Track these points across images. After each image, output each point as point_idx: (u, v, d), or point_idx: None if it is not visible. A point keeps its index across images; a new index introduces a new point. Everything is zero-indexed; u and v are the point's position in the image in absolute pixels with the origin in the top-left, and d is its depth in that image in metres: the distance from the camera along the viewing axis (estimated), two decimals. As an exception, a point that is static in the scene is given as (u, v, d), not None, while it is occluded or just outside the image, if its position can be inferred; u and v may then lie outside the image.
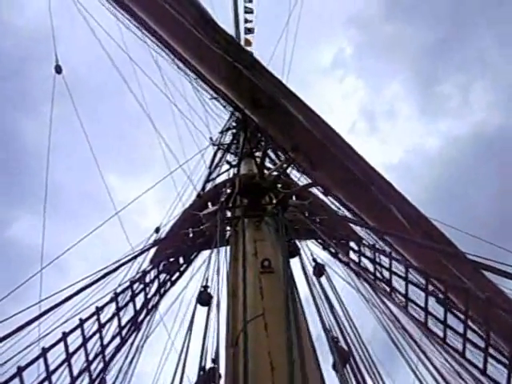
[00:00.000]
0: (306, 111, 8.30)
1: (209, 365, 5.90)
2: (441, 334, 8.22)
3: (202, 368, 5.45)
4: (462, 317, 7.76)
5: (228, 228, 9.17)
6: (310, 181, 10.05)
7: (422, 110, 51.34)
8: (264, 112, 8.45)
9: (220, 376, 5.65)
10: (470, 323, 7.85)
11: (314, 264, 7.58)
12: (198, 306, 6.26)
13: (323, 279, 7.14)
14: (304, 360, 4.18)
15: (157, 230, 11.14)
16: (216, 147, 17.83)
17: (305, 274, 6.20)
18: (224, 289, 6.16)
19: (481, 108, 48.51)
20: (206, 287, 6.57)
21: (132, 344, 7.83)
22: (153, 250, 9.65)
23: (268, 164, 12.52)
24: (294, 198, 9.85)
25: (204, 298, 6.32)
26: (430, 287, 8.43)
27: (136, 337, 7.96)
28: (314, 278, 6.77)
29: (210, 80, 9.29)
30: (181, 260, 9.77)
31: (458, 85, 50.44)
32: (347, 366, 5.36)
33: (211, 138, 19.55)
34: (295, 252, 7.89)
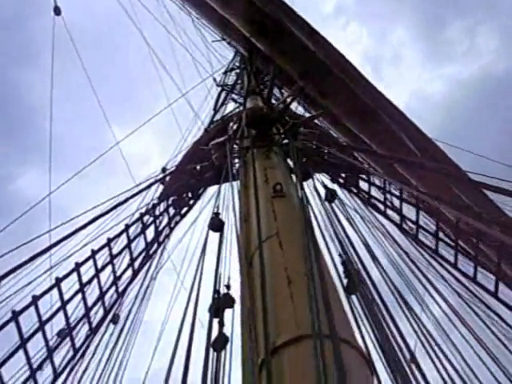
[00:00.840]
0: (315, 36, 8.11)
1: (222, 291, 5.91)
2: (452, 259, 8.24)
3: (216, 291, 5.45)
4: (474, 240, 7.76)
5: (236, 161, 9.07)
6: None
7: (428, 56, 50.40)
8: (271, 40, 8.25)
9: (234, 301, 5.66)
10: (481, 247, 7.86)
11: (325, 190, 7.51)
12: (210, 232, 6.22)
13: (334, 205, 7.10)
14: (322, 273, 4.13)
15: (163, 170, 11.05)
16: (220, 88, 17.62)
17: (318, 194, 6.14)
18: (236, 214, 6.08)
19: (487, 51, 47.57)
20: (217, 214, 6.52)
21: (145, 276, 7.87)
22: (160, 188, 9.61)
23: (274, 101, 12.31)
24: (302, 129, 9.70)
25: (216, 224, 6.28)
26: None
27: (148, 269, 7.99)
28: (326, 203, 6.69)
29: (215, 9, 9.05)
30: (189, 195, 9.72)
31: (464, 29, 49.33)
32: (360, 289, 5.36)
33: (215, 80, 19.27)
34: (307, 176, 7.80)
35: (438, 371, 5.30)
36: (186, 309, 5.03)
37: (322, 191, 7.38)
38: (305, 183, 7.43)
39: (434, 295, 7.52)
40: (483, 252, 8.03)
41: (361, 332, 4.22)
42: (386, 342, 4.13)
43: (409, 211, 9.03)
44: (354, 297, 5.24)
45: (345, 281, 5.46)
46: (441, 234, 8.38)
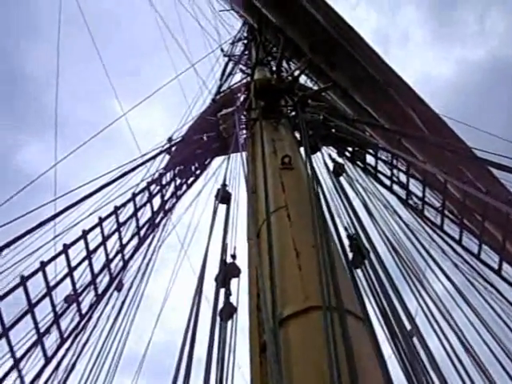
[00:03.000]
0: (325, 9, 8.03)
1: (229, 261, 5.95)
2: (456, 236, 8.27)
3: (223, 262, 5.49)
4: (479, 218, 7.77)
5: (244, 132, 9.06)
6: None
7: (437, 36, 49.72)
8: (282, 11, 8.17)
9: (240, 271, 5.70)
10: (486, 225, 7.88)
11: (333, 164, 7.51)
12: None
13: (342, 179, 7.11)
14: (330, 245, 4.16)
15: (169, 140, 11.02)
16: (227, 58, 17.45)
17: (326, 167, 6.14)
18: (243, 185, 6.09)
19: (496, 34, 46.94)
20: (224, 185, 6.54)
21: (150, 244, 7.91)
22: (166, 158, 9.60)
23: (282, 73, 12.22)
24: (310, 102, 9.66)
25: (223, 196, 6.29)
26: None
27: (153, 238, 8.03)
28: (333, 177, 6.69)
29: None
30: (195, 165, 9.72)
31: (475, 10, 48.61)
32: (365, 262, 5.40)
33: (222, 50, 19.09)
34: (315, 149, 7.80)
35: (441, 343, 5.33)
36: (201, 277, 5.07)
37: (330, 165, 7.38)
38: (313, 156, 7.41)
39: (436, 272, 7.56)
40: (488, 230, 8.05)
41: (364, 304, 4.28)
42: (391, 315, 4.18)
43: (415, 188, 9.05)
44: (359, 270, 5.30)
45: (350, 254, 5.51)
46: (446, 212, 8.39)
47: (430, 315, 5.67)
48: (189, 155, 9.34)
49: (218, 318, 4.67)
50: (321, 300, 3.45)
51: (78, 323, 7.03)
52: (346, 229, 6.18)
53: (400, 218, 8.40)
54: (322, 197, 5.32)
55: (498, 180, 8.79)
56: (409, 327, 4.37)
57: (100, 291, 7.28)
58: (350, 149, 9.52)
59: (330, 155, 8.14)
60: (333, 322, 3.27)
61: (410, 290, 5.93)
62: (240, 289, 5.52)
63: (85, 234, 6.67)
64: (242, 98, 10.46)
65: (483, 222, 7.76)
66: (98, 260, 7.39)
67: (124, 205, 7.31)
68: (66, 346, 7.09)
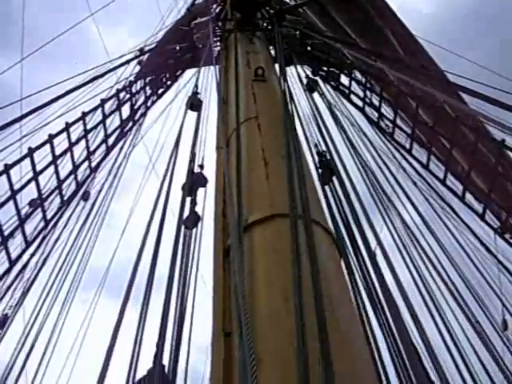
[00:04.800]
0: None
1: (196, 170, 5.91)
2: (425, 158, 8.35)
3: (190, 170, 5.45)
4: (448, 146, 7.83)
5: (218, 44, 8.83)
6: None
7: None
8: None
9: (207, 180, 5.67)
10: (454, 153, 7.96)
11: (306, 80, 7.40)
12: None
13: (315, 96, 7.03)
14: (299, 157, 4.13)
15: (141, 50, 10.68)
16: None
17: (300, 81, 6.05)
18: (214, 95, 5.98)
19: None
20: (196, 93, 6.40)
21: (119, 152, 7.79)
22: (138, 68, 9.33)
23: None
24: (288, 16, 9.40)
25: (194, 103, 6.17)
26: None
27: (122, 147, 7.90)
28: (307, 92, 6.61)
29: None
30: (167, 75, 9.50)
31: None
32: (333, 179, 5.41)
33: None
34: (289, 63, 7.66)
35: (405, 263, 5.39)
36: (162, 185, 5.02)
37: (304, 80, 7.28)
38: (287, 73, 7.29)
39: (402, 197, 7.65)
40: (454, 158, 8.14)
41: (334, 218, 4.32)
42: (357, 228, 4.23)
43: (387, 113, 9.02)
44: (326, 187, 5.32)
45: (320, 171, 5.52)
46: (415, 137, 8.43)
47: (395, 235, 5.75)
48: (160, 65, 9.11)
49: (182, 227, 4.68)
50: (287, 208, 3.45)
51: (43, 229, 7.00)
52: (315, 145, 6.17)
53: (368, 138, 8.43)
54: (293, 110, 5.26)
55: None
56: (374, 245, 4.44)
57: (66, 197, 7.21)
58: (324, 68, 9.39)
59: (304, 72, 8.02)
60: (298, 230, 3.28)
61: (378, 209, 6.00)
62: (206, 199, 5.53)
63: (51, 138, 6.53)
64: (217, 9, 10.14)
65: (451, 148, 7.83)
66: (65, 168, 7.28)
67: (92, 111, 7.14)
68: (31, 250, 7.08)
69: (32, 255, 7.08)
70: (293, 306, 2.73)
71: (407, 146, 8.51)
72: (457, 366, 4.68)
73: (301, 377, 2.28)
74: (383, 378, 3.23)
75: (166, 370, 3.31)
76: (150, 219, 4.01)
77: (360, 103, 9.14)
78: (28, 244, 6.73)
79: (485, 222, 8.19)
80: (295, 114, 5.33)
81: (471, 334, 5.80)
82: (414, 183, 8.54)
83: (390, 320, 3.63)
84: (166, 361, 3.38)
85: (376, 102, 8.92)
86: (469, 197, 8.28)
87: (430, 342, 3.82)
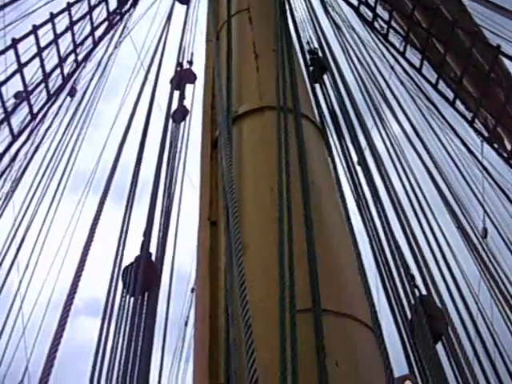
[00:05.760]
0: None
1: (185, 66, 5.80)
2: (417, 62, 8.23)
3: (179, 64, 5.36)
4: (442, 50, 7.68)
5: None
6: None
7: None
8: None
9: (196, 76, 5.58)
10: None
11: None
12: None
13: None
14: (291, 51, 4.04)
15: None
16: None
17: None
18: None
19: None
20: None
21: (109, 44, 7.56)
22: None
23: None
24: None
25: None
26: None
27: (111, 39, 7.66)
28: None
29: None
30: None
31: None
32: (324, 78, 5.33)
33: None
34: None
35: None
36: (146, 78, 4.94)
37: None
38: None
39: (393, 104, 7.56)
40: (448, 64, 8.01)
41: (323, 114, 4.30)
42: (345, 124, 4.22)
43: (381, 13, 8.76)
44: (317, 85, 5.24)
45: (311, 69, 5.44)
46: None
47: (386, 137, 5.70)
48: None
49: (170, 120, 4.66)
50: (276, 100, 3.42)
51: (30, 122, 6.91)
52: (307, 43, 6.05)
53: (361, 39, 8.27)
54: (286, 3, 5.10)
55: (466, 10, 8.58)
56: (364, 144, 4.42)
57: (53, 91, 7.07)
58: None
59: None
60: (286, 122, 3.25)
61: (369, 110, 5.94)
62: (195, 95, 5.46)
63: (35, 28, 6.32)
64: None
65: (445, 53, 7.69)
66: (51, 62, 7.09)
67: (78, 1, 6.88)
68: (17, 146, 7.02)
69: (19, 149, 7.03)
70: (279, 197, 2.75)
71: (401, 48, 8.34)
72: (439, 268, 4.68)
73: (283, 258, 2.34)
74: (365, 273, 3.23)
75: (154, 257, 3.38)
76: (134, 108, 3.97)
77: (355, 2, 8.87)
78: (14, 137, 6.66)
79: (473, 129, 8.19)
80: (287, 8, 5.18)
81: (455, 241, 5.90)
82: (405, 87, 8.46)
83: (376, 218, 3.70)
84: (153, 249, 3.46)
85: (371, 2, 8.66)
86: (459, 106, 8.24)
87: (414, 241, 3.88)
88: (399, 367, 2.70)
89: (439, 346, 3.03)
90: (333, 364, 2.11)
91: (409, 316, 3.04)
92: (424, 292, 3.34)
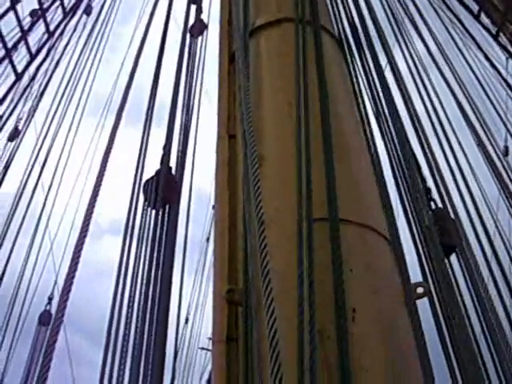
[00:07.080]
0: None
1: None
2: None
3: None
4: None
5: None
6: None
7: None
8: None
9: None
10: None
11: None
12: None
13: None
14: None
15: None
16: None
17: None
18: None
19: None
20: None
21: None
22: None
23: None
24: None
25: None
26: None
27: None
28: None
29: None
30: None
31: None
32: None
33: None
34: None
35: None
36: None
37: None
38: None
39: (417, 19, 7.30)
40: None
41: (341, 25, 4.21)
42: (364, 37, 4.12)
43: None
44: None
45: None
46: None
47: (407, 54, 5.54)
48: None
49: (188, 35, 4.59)
50: (295, 11, 3.34)
51: (47, 41, 6.87)
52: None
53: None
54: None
55: None
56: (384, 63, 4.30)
57: (68, 9, 6.99)
58: None
59: None
60: (305, 34, 3.19)
61: (389, 23, 5.76)
62: (212, 8, 5.36)
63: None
64: None
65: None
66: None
67: None
68: (36, 64, 7.01)
69: (38, 69, 7.02)
70: (296, 109, 2.74)
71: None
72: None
73: (300, 169, 2.36)
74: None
75: (174, 171, 3.43)
76: (150, 20, 3.92)
77: None
78: (33, 56, 6.64)
79: (498, 44, 7.96)
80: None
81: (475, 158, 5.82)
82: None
83: (393, 131, 3.66)
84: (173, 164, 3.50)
85: None
86: (484, 20, 7.94)
87: (431, 155, 3.85)
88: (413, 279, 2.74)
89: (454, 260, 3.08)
90: (347, 271, 2.17)
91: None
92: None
